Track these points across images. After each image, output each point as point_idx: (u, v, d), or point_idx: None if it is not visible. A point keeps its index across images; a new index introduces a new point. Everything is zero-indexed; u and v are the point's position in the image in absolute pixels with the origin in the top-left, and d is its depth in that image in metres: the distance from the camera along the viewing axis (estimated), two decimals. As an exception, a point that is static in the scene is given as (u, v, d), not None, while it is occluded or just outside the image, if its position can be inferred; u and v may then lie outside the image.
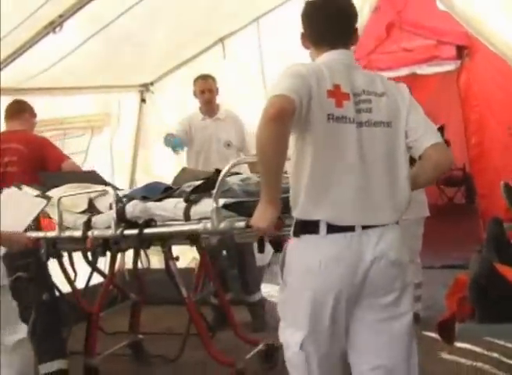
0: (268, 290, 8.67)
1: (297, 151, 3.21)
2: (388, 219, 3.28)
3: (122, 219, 4.79)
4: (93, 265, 5.87)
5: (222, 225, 3.97)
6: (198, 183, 4.51)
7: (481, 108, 8.67)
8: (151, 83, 9.06)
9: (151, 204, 4.67)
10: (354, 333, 3.35)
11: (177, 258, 5.73)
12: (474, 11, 7.66)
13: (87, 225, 5.07)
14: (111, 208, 5.07)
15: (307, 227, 3.21)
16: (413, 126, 3.36)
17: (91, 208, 5.26)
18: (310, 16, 3.52)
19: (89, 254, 5.58)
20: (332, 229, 3.17)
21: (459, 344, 5.56)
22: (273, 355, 6.01)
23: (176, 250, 6.41)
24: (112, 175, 8.25)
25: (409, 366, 3.38)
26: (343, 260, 3.18)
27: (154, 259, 8.48)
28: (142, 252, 5.51)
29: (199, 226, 4.17)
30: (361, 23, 8.23)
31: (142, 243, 4.81)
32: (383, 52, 9.29)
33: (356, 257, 3.19)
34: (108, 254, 5.51)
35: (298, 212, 3.22)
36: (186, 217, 4.30)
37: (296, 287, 3.28)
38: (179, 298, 5.52)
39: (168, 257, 5.51)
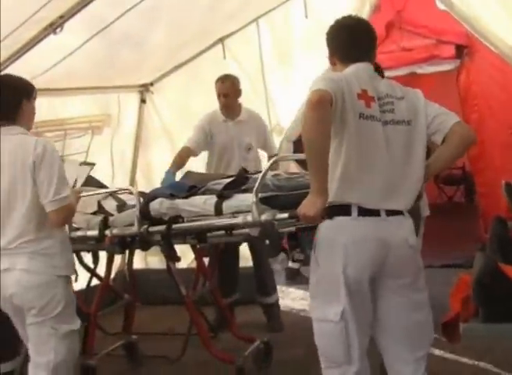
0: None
1: (334, 145, 3.57)
2: (404, 206, 3.72)
3: (145, 217, 4.89)
4: (87, 267, 5.89)
5: (264, 217, 4.17)
6: (228, 180, 4.78)
7: (480, 108, 8.68)
8: (151, 84, 9.07)
9: (178, 201, 4.84)
10: (381, 310, 3.78)
11: (178, 259, 5.75)
12: (474, 10, 7.69)
13: (104, 224, 5.16)
14: (118, 209, 5.13)
15: (340, 210, 3.61)
16: (433, 114, 3.83)
17: (101, 210, 5.34)
18: (337, 36, 3.94)
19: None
20: (362, 212, 3.59)
21: (461, 343, 5.57)
22: (269, 352, 6.11)
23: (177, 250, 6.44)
24: (112, 175, 8.27)
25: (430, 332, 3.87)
26: (371, 240, 3.61)
27: (154, 260, 8.55)
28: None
29: (238, 220, 4.35)
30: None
31: (171, 239, 4.90)
32: (383, 52, 9.25)
33: (382, 239, 3.62)
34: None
35: (332, 197, 3.57)
36: (218, 212, 4.49)
37: (330, 265, 3.63)
38: (180, 298, 5.54)
39: (168, 257, 5.54)
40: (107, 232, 5.17)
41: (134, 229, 4.95)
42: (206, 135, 7.05)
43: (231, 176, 5.20)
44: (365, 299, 3.69)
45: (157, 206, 4.92)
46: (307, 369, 5.94)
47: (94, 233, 5.20)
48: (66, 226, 4.61)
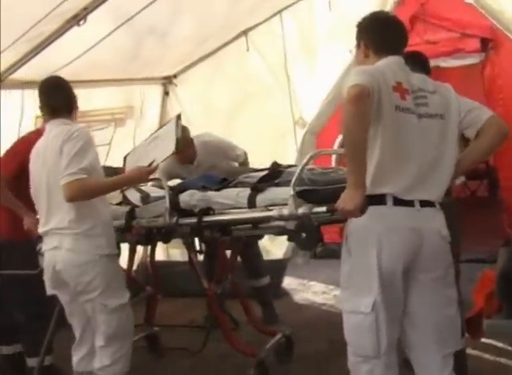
0: (288, 282, 8.72)
1: (369, 137, 3.56)
2: (436, 197, 3.74)
3: (174, 208, 4.93)
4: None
5: (301, 210, 4.15)
6: (260, 173, 4.81)
7: (505, 102, 8.60)
8: (175, 76, 9.08)
9: (210, 193, 4.91)
10: (411, 304, 3.74)
11: (200, 252, 5.75)
12: (499, 3, 7.61)
13: (131, 215, 5.23)
14: (143, 201, 5.15)
15: (374, 200, 3.56)
16: (466, 109, 3.86)
17: (126, 200, 5.42)
18: (373, 28, 4.02)
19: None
20: (397, 202, 3.60)
21: (482, 340, 5.54)
22: (291, 346, 6.10)
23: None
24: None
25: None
26: (406, 229, 3.61)
27: (176, 252, 8.56)
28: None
29: (274, 213, 4.33)
30: (385, 15, 8.21)
31: (202, 230, 4.91)
32: (407, 45, 9.25)
33: (416, 228, 3.63)
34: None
35: (368, 188, 3.54)
36: (251, 205, 4.52)
37: (364, 254, 3.61)
38: (201, 291, 5.55)
39: (191, 250, 5.55)
40: (133, 223, 5.24)
41: (163, 220, 4.97)
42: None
43: (263, 170, 5.17)
44: (397, 291, 3.67)
45: (187, 198, 4.98)
46: (329, 363, 5.95)
47: (120, 223, 5.23)
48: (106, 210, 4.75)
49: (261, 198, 4.54)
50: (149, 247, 6.57)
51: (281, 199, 4.38)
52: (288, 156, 8.01)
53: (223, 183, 5.06)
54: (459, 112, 3.84)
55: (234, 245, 6.11)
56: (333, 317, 7.31)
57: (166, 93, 9.10)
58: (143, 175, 4.85)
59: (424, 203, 3.68)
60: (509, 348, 5.75)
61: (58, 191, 4.42)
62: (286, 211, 4.22)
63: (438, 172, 3.76)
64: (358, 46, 4.04)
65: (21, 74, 6.53)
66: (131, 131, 8.57)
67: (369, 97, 3.45)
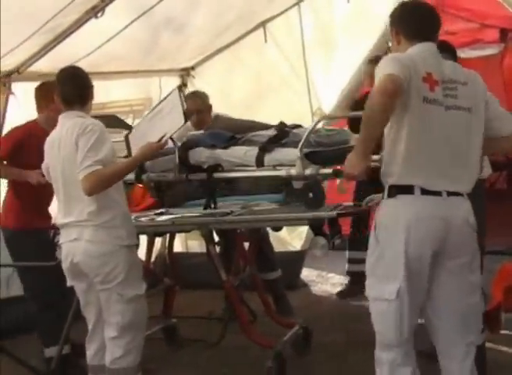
0: (306, 273, 8.71)
1: (394, 128, 3.70)
2: (465, 189, 3.81)
3: (184, 164, 5.06)
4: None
5: (308, 171, 4.39)
6: (267, 132, 4.93)
7: (524, 92, 8.58)
8: (192, 68, 9.08)
9: (218, 151, 5.01)
10: (437, 290, 3.81)
11: (218, 243, 5.76)
12: (519, -7, 7.58)
13: (141, 168, 5.31)
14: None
15: (403, 189, 3.71)
16: (492, 116, 3.93)
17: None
18: (407, 15, 4.00)
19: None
20: (424, 192, 3.69)
21: (501, 332, 5.51)
22: (308, 338, 6.10)
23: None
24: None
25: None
26: (434, 218, 3.69)
27: (194, 243, 8.56)
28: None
29: (282, 173, 4.57)
30: (404, 6, 8.17)
31: (211, 185, 5.10)
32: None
33: (443, 217, 3.70)
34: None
35: (395, 179, 3.72)
36: (259, 164, 4.70)
37: (392, 241, 3.70)
38: (219, 282, 5.56)
39: (209, 241, 5.56)
40: (143, 176, 5.34)
41: (173, 175, 5.12)
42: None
43: (269, 127, 5.29)
44: (423, 278, 3.73)
45: (197, 155, 5.10)
46: (346, 355, 5.95)
47: (130, 177, 5.26)
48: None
49: (268, 158, 4.70)
50: (167, 238, 6.59)
51: (288, 160, 4.57)
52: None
53: (231, 140, 5.12)
54: (486, 109, 3.90)
55: (253, 237, 6.11)
56: (351, 309, 7.34)
57: (184, 84, 9.08)
58: (155, 150, 4.84)
59: (452, 192, 3.75)
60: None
61: (75, 184, 4.46)
62: (293, 171, 4.44)
63: (465, 164, 3.81)
64: (391, 34, 4.04)
65: (39, 66, 6.55)
66: (149, 123, 8.58)
67: (401, 89, 3.52)
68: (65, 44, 6.27)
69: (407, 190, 3.70)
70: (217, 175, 5.01)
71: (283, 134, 4.82)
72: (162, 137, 4.88)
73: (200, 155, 5.09)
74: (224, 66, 8.92)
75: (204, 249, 5.97)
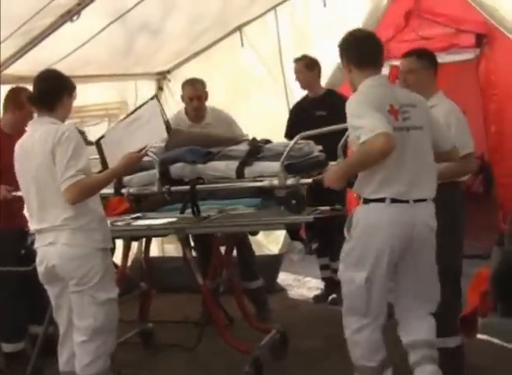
0: (283, 278, 8.71)
1: None
2: (430, 195, 4.44)
3: (165, 178, 5.26)
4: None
5: (290, 181, 4.81)
6: (241, 148, 5.35)
7: (500, 97, 8.60)
8: (168, 71, 9.08)
9: (200, 166, 5.29)
10: (399, 278, 4.53)
11: (195, 247, 5.76)
12: (493, -1, 7.64)
13: (120, 182, 5.44)
14: None
15: (376, 200, 4.34)
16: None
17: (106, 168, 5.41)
18: (353, 44, 4.54)
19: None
20: (394, 200, 4.31)
21: (478, 336, 5.53)
22: (285, 342, 6.10)
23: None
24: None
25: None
26: (400, 222, 4.33)
27: (171, 247, 8.54)
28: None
29: (265, 183, 4.95)
30: (380, 11, 8.22)
31: (196, 197, 5.28)
32: (402, 41, 9.22)
33: (409, 221, 4.34)
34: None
35: (369, 194, 4.36)
36: (240, 176, 5.07)
37: (363, 238, 4.39)
38: (196, 286, 5.56)
39: (185, 245, 5.56)
40: (123, 191, 5.44)
41: (155, 188, 5.28)
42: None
43: (240, 142, 5.69)
44: (389, 269, 4.40)
45: (179, 170, 5.31)
46: (324, 359, 5.96)
47: (108, 191, 5.36)
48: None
49: (249, 171, 5.06)
50: (143, 243, 6.58)
51: (269, 172, 4.96)
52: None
53: (208, 156, 5.38)
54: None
55: (228, 241, 6.12)
56: (328, 313, 7.34)
57: (160, 88, 9.09)
58: (135, 161, 4.88)
59: (418, 200, 4.36)
60: (504, 344, 5.77)
61: (49, 191, 4.49)
62: (276, 182, 4.83)
63: (427, 174, 4.44)
64: (342, 63, 4.57)
65: (15, 69, 6.51)
66: (125, 127, 8.55)
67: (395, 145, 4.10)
68: (41, 47, 6.23)
69: (380, 199, 4.32)
70: (199, 187, 5.23)
71: (258, 149, 5.23)
72: (142, 149, 4.90)
73: (182, 170, 5.29)
74: (200, 69, 8.89)
75: (180, 253, 5.96)
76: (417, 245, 4.42)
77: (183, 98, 7.07)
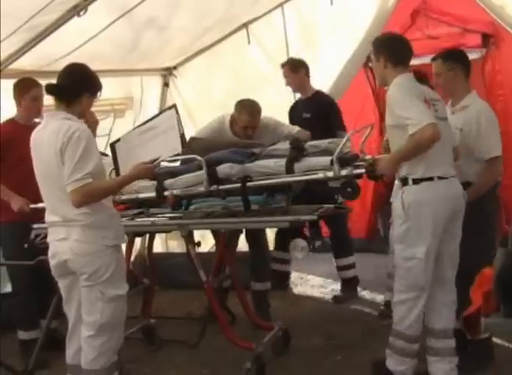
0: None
1: None
2: (455, 173, 5.05)
3: (213, 178, 5.34)
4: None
5: (344, 172, 5.01)
6: (284, 146, 5.54)
7: (506, 97, 8.60)
8: (174, 68, 9.07)
9: (248, 165, 5.43)
10: (443, 248, 5.00)
11: (199, 244, 5.77)
12: (501, -1, 7.62)
13: (161, 186, 5.50)
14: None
15: (423, 180, 4.90)
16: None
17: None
18: (393, 45, 5.19)
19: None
20: (440, 178, 4.91)
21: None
22: (287, 340, 6.14)
23: (198, 235, 6.43)
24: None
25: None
26: (449, 195, 4.92)
27: (174, 244, 8.54)
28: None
29: (320, 176, 5.15)
30: (387, 9, 8.20)
31: (247, 194, 5.38)
32: (408, 39, 9.23)
33: (455, 193, 4.97)
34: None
35: (420, 175, 4.90)
36: (289, 171, 5.24)
37: (420, 214, 4.85)
38: (199, 283, 5.57)
39: (189, 241, 5.57)
40: (166, 193, 5.45)
41: (201, 189, 5.34)
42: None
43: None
44: (438, 241, 4.92)
45: (227, 170, 5.40)
46: (325, 357, 5.96)
47: (148, 195, 5.55)
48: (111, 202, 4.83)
49: (298, 166, 5.24)
50: (147, 238, 6.59)
51: (319, 166, 5.16)
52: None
53: (253, 156, 5.56)
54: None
55: (233, 238, 6.13)
56: (330, 311, 7.35)
57: (166, 84, 9.09)
58: (148, 172, 4.94)
59: (452, 176, 4.99)
60: (506, 344, 5.77)
61: (59, 187, 4.49)
62: (330, 173, 5.04)
63: (454, 155, 5.10)
64: (377, 60, 5.10)
65: (21, 64, 6.51)
66: (130, 122, 8.54)
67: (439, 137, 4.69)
68: (47, 42, 6.22)
69: (429, 179, 4.88)
70: (249, 184, 5.30)
71: (302, 147, 5.43)
72: (156, 159, 4.95)
73: (231, 169, 5.38)
74: (206, 66, 8.92)
75: (184, 249, 5.97)
76: (456, 215, 4.96)
77: (233, 117, 6.86)
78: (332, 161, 5.01)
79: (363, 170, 5.08)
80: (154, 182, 5.54)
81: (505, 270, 5.31)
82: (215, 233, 6.45)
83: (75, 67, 4.77)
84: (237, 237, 6.57)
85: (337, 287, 8.24)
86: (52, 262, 4.71)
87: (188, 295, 7.73)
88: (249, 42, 8.57)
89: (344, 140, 5.16)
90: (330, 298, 7.89)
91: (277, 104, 8.59)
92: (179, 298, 7.98)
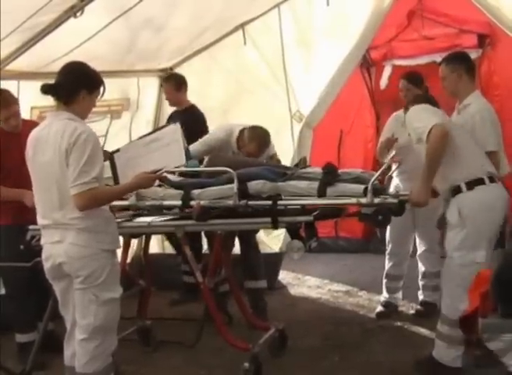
0: (283, 276, 8.72)
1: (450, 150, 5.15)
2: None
3: (243, 193, 5.40)
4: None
5: (377, 200, 5.14)
6: (316, 170, 5.63)
7: (502, 98, 8.60)
8: (171, 68, 9.07)
9: (280, 183, 5.48)
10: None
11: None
12: (497, -1, 7.62)
13: (188, 195, 5.51)
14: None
15: (476, 183, 5.13)
16: None
17: (163, 183, 5.66)
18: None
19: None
20: (491, 180, 5.16)
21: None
22: (284, 340, 6.13)
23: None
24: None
25: None
26: (502, 198, 5.20)
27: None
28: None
29: (353, 201, 5.25)
30: (383, 10, 8.20)
31: (277, 210, 5.37)
32: (404, 40, 9.24)
33: (506, 196, 5.24)
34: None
35: (465, 176, 5.14)
36: (321, 194, 5.31)
37: (478, 219, 5.08)
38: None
39: (184, 243, 5.57)
40: (193, 203, 5.45)
41: (230, 202, 5.35)
42: (211, 149, 6.79)
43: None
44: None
45: (259, 186, 5.45)
46: (322, 358, 5.96)
47: (173, 203, 5.56)
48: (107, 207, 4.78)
49: (331, 190, 5.33)
50: (143, 240, 6.59)
51: (351, 192, 5.27)
52: (285, 150, 8.00)
53: (285, 176, 5.61)
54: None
55: (228, 240, 6.14)
56: (327, 311, 7.35)
57: (162, 85, 9.08)
58: (150, 182, 4.96)
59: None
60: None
61: (60, 187, 4.46)
62: (364, 200, 5.14)
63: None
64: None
65: (17, 65, 6.51)
66: (127, 123, 8.57)
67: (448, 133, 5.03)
68: (45, 42, 6.22)
69: (479, 182, 5.11)
70: (280, 203, 5.34)
71: (336, 172, 5.50)
72: (158, 170, 5.00)
73: (263, 186, 5.42)
74: (203, 67, 8.92)
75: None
76: (505, 217, 5.23)
77: (242, 138, 6.76)
78: (365, 189, 5.12)
79: (396, 200, 5.25)
80: (181, 191, 5.54)
81: (502, 270, 5.32)
82: (210, 235, 6.45)
83: (70, 65, 4.71)
84: (233, 239, 6.58)
85: (334, 287, 8.26)
86: (46, 265, 4.68)
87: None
88: (245, 43, 8.58)
89: (379, 172, 5.34)
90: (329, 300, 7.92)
91: (272, 104, 8.62)
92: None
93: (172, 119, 7.67)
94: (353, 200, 5.25)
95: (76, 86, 4.58)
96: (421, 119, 5.25)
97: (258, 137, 6.63)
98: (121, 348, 4.93)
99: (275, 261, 8.44)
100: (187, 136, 7.14)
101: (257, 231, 6.84)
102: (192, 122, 7.54)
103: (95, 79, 4.72)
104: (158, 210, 5.68)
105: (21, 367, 5.69)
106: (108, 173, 5.35)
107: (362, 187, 5.19)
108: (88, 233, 4.52)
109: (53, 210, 4.54)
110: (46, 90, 4.59)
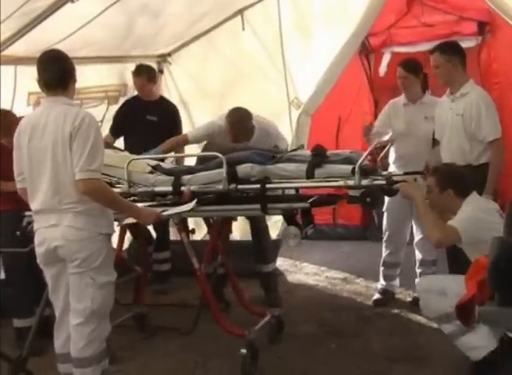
0: (280, 263, 8.71)
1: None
2: None
3: (233, 177, 5.39)
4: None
5: (365, 182, 5.10)
6: (306, 153, 5.63)
7: (501, 86, 8.58)
8: (169, 54, 9.05)
9: (270, 166, 5.46)
10: None
11: (193, 231, 5.77)
12: (497, -14, 7.57)
13: (178, 181, 5.54)
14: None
15: None
16: None
17: (156, 170, 5.73)
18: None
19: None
20: None
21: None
22: (281, 327, 6.15)
23: (192, 222, 6.43)
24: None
25: None
26: None
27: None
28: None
29: (340, 183, 5.21)
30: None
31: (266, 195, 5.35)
32: (403, 27, 9.20)
33: None
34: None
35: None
36: (309, 176, 5.28)
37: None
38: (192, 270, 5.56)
39: (181, 229, 5.56)
40: (183, 188, 5.46)
41: (220, 187, 5.34)
42: (209, 138, 6.81)
43: (295, 150, 6.07)
44: None
45: (247, 170, 5.44)
46: (319, 344, 5.97)
47: (164, 189, 5.59)
48: None
49: (319, 172, 5.28)
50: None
51: (339, 173, 5.22)
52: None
53: (274, 159, 5.57)
54: None
55: (226, 226, 6.14)
56: (324, 298, 7.35)
57: (160, 71, 9.06)
58: (151, 219, 5.03)
59: None
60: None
61: (60, 171, 4.48)
62: (351, 182, 5.11)
63: None
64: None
65: (14, 50, 6.49)
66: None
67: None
68: (41, 28, 6.19)
69: None
70: (269, 186, 5.32)
71: (325, 153, 5.47)
72: (163, 211, 5.17)
73: (252, 169, 5.42)
74: (201, 53, 8.90)
75: (176, 237, 5.95)
76: None
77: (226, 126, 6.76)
78: (353, 170, 5.08)
79: (383, 181, 5.22)
80: (172, 177, 5.57)
81: (500, 258, 5.31)
82: (208, 221, 6.45)
83: (56, 52, 4.78)
84: (230, 225, 6.56)
85: (331, 274, 8.26)
86: (40, 250, 4.68)
87: (181, 282, 7.72)
88: (243, 29, 8.55)
89: (368, 151, 5.28)
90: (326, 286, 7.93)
91: (270, 90, 8.59)
92: (173, 285, 7.96)
93: (148, 110, 7.74)
94: (341, 182, 5.23)
95: (71, 70, 4.70)
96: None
97: (228, 115, 6.64)
98: (117, 334, 4.95)
99: (272, 248, 8.43)
100: (166, 126, 7.47)
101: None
102: (172, 112, 7.86)
103: (73, 66, 4.77)
104: (149, 196, 5.67)
105: (18, 353, 5.70)
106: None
107: (350, 167, 5.15)
108: (86, 216, 4.55)
109: (47, 195, 4.54)
110: (49, 80, 4.63)
